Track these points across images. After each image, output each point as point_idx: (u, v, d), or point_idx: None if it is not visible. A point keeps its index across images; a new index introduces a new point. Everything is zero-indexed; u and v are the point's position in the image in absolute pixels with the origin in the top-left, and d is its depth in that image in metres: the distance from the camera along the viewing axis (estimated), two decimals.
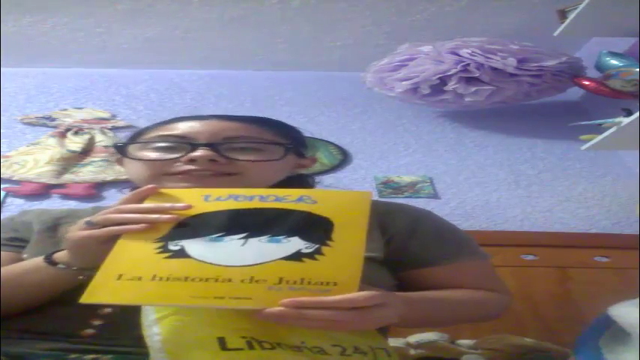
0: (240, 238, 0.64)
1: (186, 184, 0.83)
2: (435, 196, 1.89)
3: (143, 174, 0.88)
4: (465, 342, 1.18)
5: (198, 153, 0.84)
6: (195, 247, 0.63)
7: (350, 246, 0.62)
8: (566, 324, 1.36)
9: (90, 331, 0.70)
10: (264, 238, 0.63)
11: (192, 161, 0.84)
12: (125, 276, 0.60)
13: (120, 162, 0.97)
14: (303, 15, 2.05)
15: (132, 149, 0.91)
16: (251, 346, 0.59)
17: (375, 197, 1.84)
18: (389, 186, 1.91)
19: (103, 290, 0.59)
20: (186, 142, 0.86)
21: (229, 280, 0.58)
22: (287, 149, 0.91)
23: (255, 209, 0.69)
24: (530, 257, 1.62)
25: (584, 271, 1.57)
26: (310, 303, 0.56)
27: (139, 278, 0.59)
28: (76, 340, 0.70)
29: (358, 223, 0.65)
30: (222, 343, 0.59)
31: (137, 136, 0.95)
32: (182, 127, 0.90)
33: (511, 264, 1.54)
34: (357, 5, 2.00)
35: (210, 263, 0.60)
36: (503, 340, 1.15)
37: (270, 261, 0.60)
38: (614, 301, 0.89)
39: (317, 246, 0.62)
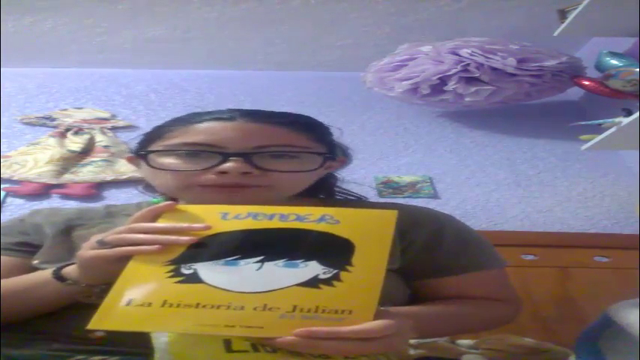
0: (256, 262, 0.62)
1: (215, 197, 0.79)
2: (435, 196, 1.89)
3: (171, 184, 0.84)
4: (464, 342, 1.18)
5: (230, 165, 0.79)
6: (208, 271, 0.61)
7: (369, 272, 0.60)
8: (566, 324, 1.37)
9: (99, 333, 0.69)
10: (280, 263, 0.62)
11: (222, 173, 0.79)
12: (135, 301, 0.59)
13: (135, 164, 0.92)
14: (303, 15, 2.05)
15: (154, 155, 0.84)
16: (256, 349, 0.58)
17: (375, 198, 1.85)
18: (389, 186, 1.91)
19: (112, 316, 0.58)
20: (216, 152, 0.80)
21: (242, 308, 0.57)
22: (325, 158, 0.86)
23: (274, 230, 0.66)
24: (530, 257, 1.62)
25: (584, 271, 1.57)
26: (323, 333, 0.55)
27: (149, 304, 0.58)
28: (84, 342, 0.69)
29: (381, 246, 0.63)
30: (227, 346, 0.59)
31: (155, 137, 0.87)
32: (209, 132, 0.83)
33: (511, 264, 1.52)
34: (357, 5, 2.00)
35: (224, 289, 0.59)
36: (503, 340, 1.15)
37: (285, 287, 0.59)
38: (614, 301, 0.89)
39: (335, 271, 0.60)
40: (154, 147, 0.86)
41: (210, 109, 0.89)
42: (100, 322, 0.58)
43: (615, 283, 1.49)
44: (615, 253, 1.62)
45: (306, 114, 0.94)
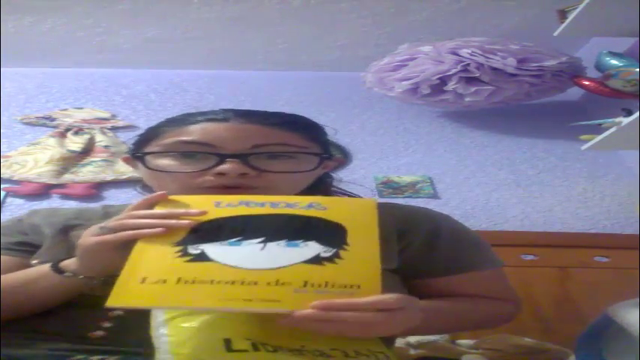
0: (259, 242, 0.63)
1: None
2: (435, 196, 1.89)
3: (169, 187, 0.82)
4: (465, 342, 1.18)
5: (227, 166, 0.78)
6: (215, 250, 0.62)
7: (366, 250, 0.63)
8: (566, 324, 1.37)
9: (99, 332, 0.69)
10: (282, 243, 0.63)
11: (220, 174, 0.79)
12: (149, 279, 0.59)
13: (131, 165, 0.92)
14: (303, 15, 2.05)
15: (150, 156, 0.84)
16: (256, 348, 0.59)
17: (375, 197, 1.85)
18: (389, 186, 1.91)
19: (128, 294, 0.58)
20: (212, 152, 0.80)
21: (255, 283, 0.57)
22: (322, 159, 0.86)
23: (269, 215, 0.68)
24: (530, 257, 1.62)
25: (584, 271, 1.57)
26: (341, 305, 0.55)
27: (164, 281, 0.58)
28: (83, 341, 0.69)
29: (369, 228, 0.66)
30: (227, 345, 0.59)
31: (151, 138, 0.87)
32: (203, 132, 0.82)
33: (511, 264, 1.54)
34: (357, 5, 2.00)
35: (234, 266, 0.60)
36: (503, 340, 1.15)
37: (292, 264, 0.60)
38: (614, 301, 0.90)
39: (335, 250, 0.62)
40: (149, 148, 0.86)
41: (210, 109, 0.89)
42: (117, 299, 0.57)
43: (615, 283, 1.49)
44: (615, 253, 1.62)
45: (305, 114, 0.94)
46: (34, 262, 0.82)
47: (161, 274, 0.59)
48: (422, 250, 0.86)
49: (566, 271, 1.57)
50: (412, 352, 1.12)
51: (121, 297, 0.58)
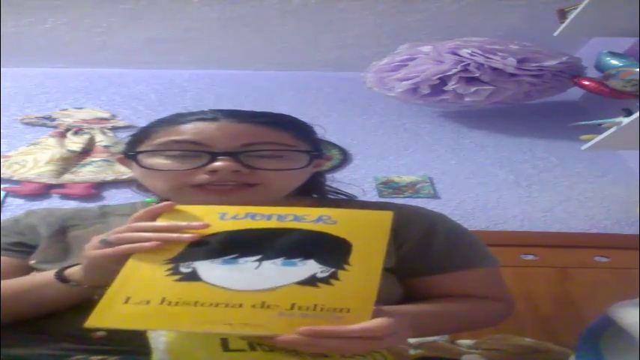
0: (255, 261, 0.62)
1: (207, 197, 0.79)
2: (435, 196, 1.89)
3: (161, 185, 0.84)
4: (465, 342, 1.18)
5: (220, 164, 0.79)
6: (207, 269, 0.61)
7: (367, 271, 0.61)
8: (566, 324, 1.37)
9: (101, 333, 0.70)
10: (279, 261, 0.62)
11: (212, 172, 0.80)
12: (133, 299, 0.58)
13: (126, 164, 0.93)
14: (303, 15, 2.05)
15: (143, 155, 0.85)
16: (253, 348, 0.59)
17: (375, 197, 1.85)
18: (389, 186, 1.91)
19: (110, 314, 0.58)
20: (204, 151, 0.81)
21: (240, 306, 0.57)
22: (312, 156, 0.87)
23: (272, 229, 0.66)
24: (530, 257, 1.62)
25: (584, 271, 1.57)
26: (326, 332, 0.55)
27: (147, 302, 0.58)
28: (85, 341, 0.69)
29: (377, 246, 0.64)
30: (224, 344, 0.59)
31: (142, 138, 0.88)
32: (194, 131, 0.84)
33: (511, 264, 1.54)
34: (357, 5, 2.00)
35: (222, 287, 0.59)
36: (503, 340, 1.15)
37: (284, 285, 0.59)
38: (614, 301, 0.89)
39: (333, 270, 0.60)
40: (141, 148, 0.87)
41: (204, 110, 0.90)
42: (98, 319, 0.57)
43: (615, 283, 1.49)
44: (615, 253, 1.62)
45: (306, 114, 0.95)
46: (32, 262, 0.83)
47: (146, 295, 0.59)
48: (417, 249, 0.87)
49: (566, 271, 1.57)
50: (412, 352, 1.12)
51: (101, 317, 0.57)
